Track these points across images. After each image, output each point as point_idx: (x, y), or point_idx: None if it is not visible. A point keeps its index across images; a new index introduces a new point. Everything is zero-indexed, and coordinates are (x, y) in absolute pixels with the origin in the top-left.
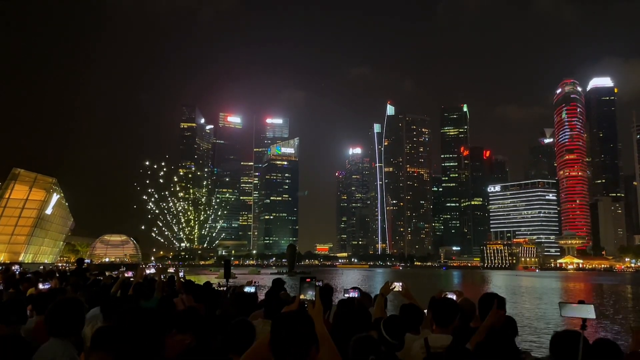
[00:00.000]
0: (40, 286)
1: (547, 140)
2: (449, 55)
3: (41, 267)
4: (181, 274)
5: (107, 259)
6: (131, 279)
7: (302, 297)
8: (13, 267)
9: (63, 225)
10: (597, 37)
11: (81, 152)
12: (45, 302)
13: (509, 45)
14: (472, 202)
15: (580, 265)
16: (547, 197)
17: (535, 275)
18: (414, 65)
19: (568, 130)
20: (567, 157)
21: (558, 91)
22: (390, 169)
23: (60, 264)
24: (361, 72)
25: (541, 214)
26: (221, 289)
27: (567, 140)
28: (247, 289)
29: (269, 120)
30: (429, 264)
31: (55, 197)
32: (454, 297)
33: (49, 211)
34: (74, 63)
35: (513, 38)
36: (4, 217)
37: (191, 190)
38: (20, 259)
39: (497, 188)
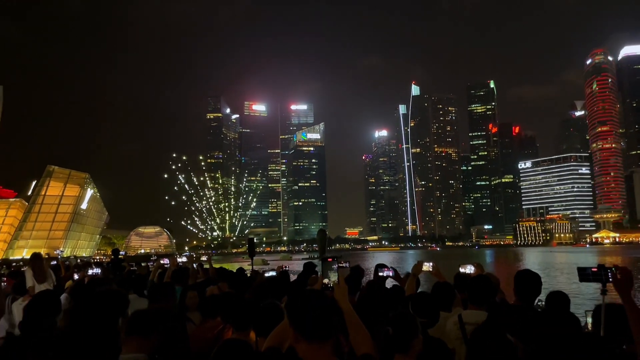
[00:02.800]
0: (76, 277)
1: (578, 113)
2: (474, 31)
3: (78, 260)
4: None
5: (142, 251)
6: (165, 265)
7: (325, 280)
8: (57, 257)
9: (98, 219)
10: (628, 4)
11: (113, 148)
12: (82, 292)
13: (536, 19)
14: (503, 180)
15: (617, 239)
16: (580, 171)
17: (571, 250)
18: (438, 43)
19: (600, 101)
20: (599, 129)
21: (588, 62)
22: (418, 150)
23: (97, 257)
24: (384, 55)
25: (574, 189)
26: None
27: (599, 111)
28: (268, 274)
29: (293, 107)
30: (461, 243)
31: (89, 192)
32: (472, 271)
33: (84, 206)
34: (103, 64)
35: (540, 11)
36: (42, 214)
37: (220, 180)
38: (61, 250)
39: (528, 164)
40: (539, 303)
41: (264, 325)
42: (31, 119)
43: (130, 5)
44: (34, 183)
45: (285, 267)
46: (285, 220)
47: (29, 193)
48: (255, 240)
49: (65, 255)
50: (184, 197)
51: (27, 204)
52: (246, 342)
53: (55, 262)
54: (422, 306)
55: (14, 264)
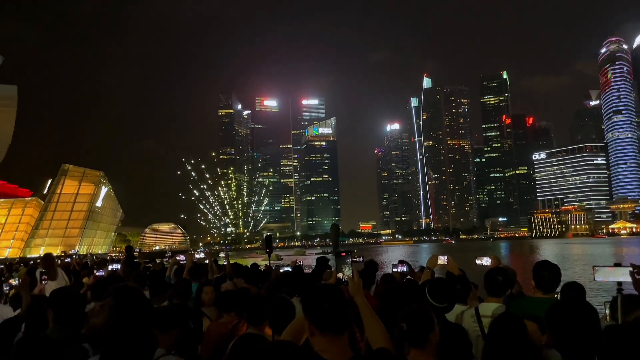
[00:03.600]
0: (99, 273)
1: (593, 103)
2: (486, 23)
3: (94, 257)
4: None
5: (157, 247)
6: (181, 262)
7: (339, 274)
8: (71, 256)
9: (113, 217)
10: None
11: (126, 146)
12: (102, 288)
13: (548, 9)
14: (517, 171)
15: (634, 230)
16: (595, 162)
17: (588, 242)
18: (450, 35)
19: (615, 90)
20: (615, 118)
21: (602, 51)
22: (430, 143)
23: (113, 254)
24: (395, 48)
25: (590, 179)
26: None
27: (614, 101)
28: (283, 269)
29: (304, 102)
30: (475, 236)
31: (104, 190)
32: (489, 263)
33: (99, 204)
34: (115, 62)
35: (553, 0)
36: (58, 212)
37: (233, 176)
38: (76, 250)
39: (543, 155)
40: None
41: (276, 320)
42: (45, 119)
43: (141, 3)
44: (49, 182)
45: (299, 262)
46: (298, 215)
47: (45, 192)
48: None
49: (81, 253)
50: (197, 194)
51: (42, 202)
52: (261, 337)
53: (68, 260)
54: (439, 291)
55: (31, 262)
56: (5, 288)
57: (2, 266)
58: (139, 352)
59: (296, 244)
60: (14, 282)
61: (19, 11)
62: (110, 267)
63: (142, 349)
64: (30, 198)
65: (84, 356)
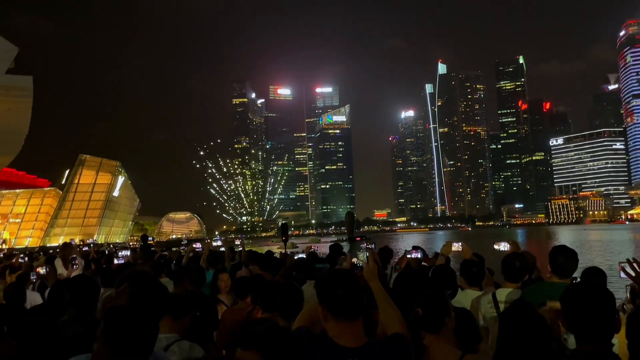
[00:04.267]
0: (115, 261)
1: (611, 87)
2: (501, 7)
3: (111, 246)
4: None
5: (173, 236)
6: (197, 250)
7: (354, 260)
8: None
9: (130, 206)
10: None
11: (142, 137)
12: (112, 275)
13: None
14: (534, 158)
15: None
16: (614, 147)
17: (607, 228)
18: (465, 20)
19: (634, 74)
20: (634, 102)
21: (621, 34)
22: (446, 129)
23: (131, 243)
24: (409, 34)
25: (608, 165)
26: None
27: (633, 84)
28: (298, 256)
29: (318, 90)
30: (491, 223)
31: (120, 180)
32: (507, 248)
33: (116, 193)
34: (129, 53)
35: None
36: (76, 202)
37: (248, 165)
38: (93, 239)
39: (560, 141)
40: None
41: (284, 307)
42: (62, 109)
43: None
44: (67, 172)
45: (314, 248)
46: (313, 203)
47: (63, 182)
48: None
49: (99, 242)
50: (213, 183)
51: (61, 192)
52: (273, 322)
53: (87, 249)
54: (441, 277)
55: (50, 250)
56: (32, 277)
57: (22, 255)
58: (137, 334)
59: (311, 232)
60: (41, 270)
61: (35, 5)
62: (121, 254)
63: (139, 332)
64: (49, 188)
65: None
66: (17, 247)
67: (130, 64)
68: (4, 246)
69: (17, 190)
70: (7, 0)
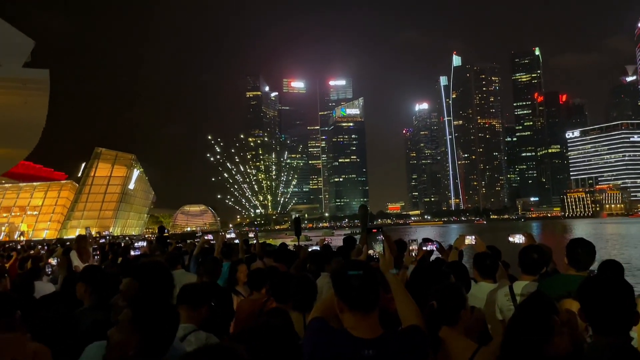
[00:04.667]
0: (132, 252)
1: (629, 79)
2: None
3: (127, 238)
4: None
5: (188, 229)
6: (211, 242)
7: (370, 251)
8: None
9: (145, 199)
10: None
11: (157, 130)
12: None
13: None
14: (549, 150)
15: None
16: (631, 139)
17: (623, 221)
18: (479, 11)
19: None
20: None
21: (639, 25)
22: (460, 122)
23: (146, 235)
24: (423, 26)
25: (626, 157)
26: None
27: None
28: (311, 249)
29: (331, 82)
30: (506, 216)
31: (136, 173)
32: (522, 241)
33: (131, 186)
34: (142, 47)
35: None
36: (92, 194)
37: (262, 158)
38: (110, 231)
39: (576, 133)
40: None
41: (298, 298)
42: (79, 103)
43: None
44: (82, 165)
45: (328, 240)
46: (327, 196)
47: (79, 175)
48: (297, 216)
49: (115, 234)
50: (226, 176)
51: (77, 185)
52: (285, 312)
53: (103, 241)
54: (454, 273)
55: (67, 243)
56: (47, 269)
57: (40, 246)
58: (165, 322)
59: (325, 225)
60: (53, 261)
61: (48, 3)
62: (137, 245)
63: (167, 320)
64: (65, 181)
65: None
66: (34, 239)
67: (145, 58)
68: (21, 238)
69: (34, 183)
70: None
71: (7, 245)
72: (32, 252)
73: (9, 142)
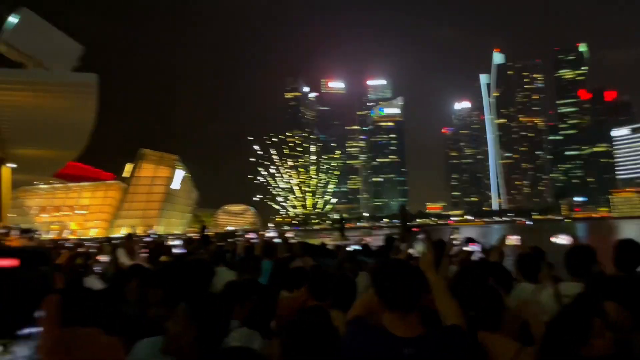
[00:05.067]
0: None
1: None
2: None
3: (168, 237)
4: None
5: (229, 228)
6: (252, 240)
7: (410, 250)
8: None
9: (188, 199)
10: None
11: (199, 131)
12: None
13: None
14: (595, 149)
15: None
16: None
17: None
18: (521, 7)
19: None
20: None
21: None
22: (502, 121)
23: (189, 234)
24: (463, 23)
25: None
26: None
27: None
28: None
29: (370, 82)
30: (550, 217)
31: (179, 173)
32: (567, 242)
33: (174, 186)
34: (186, 49)
35: None
36: (137, 194)
37: (301, 158)
38: (154, 230)
39: (624, 131)
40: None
41: (337, 297)
42: (125, 105)
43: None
44: (128, 166)
45: (368, 240)
46: (365, 196)
47: (125, 175)
48: (336, 216)
49: (159, 233)
50: (266, 176)
51: (123, 185)
52: (322, 309)
53: (149, 239)
54: (496, 275)
55: (113, 241)
56: (95, 267)
57: (88, 244)
58: (218, 316)
59: (364, 224)
60: (101, 259)
61: (99, 7)
62: (173, 243)
63: (220, 313)
64: (112, 181)
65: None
66: (83, 237)
67: (188, 60)
68: (71, 236)
69: (83, 184)
70: (72, 3)
71: (57, 243)
72: (81, 249)
73: (59, 144)
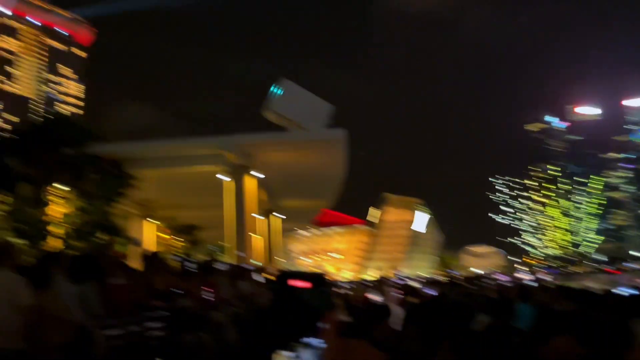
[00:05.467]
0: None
1: None
2: None
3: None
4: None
5: (474, 270)
6: (503, 283)
7: None
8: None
9: (433, 241)
10: None
11: (441, 173)
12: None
13: None
14: None
15: None
16: None
17: None
18: None
19: None
20: None
21: None
22: None
23: (436, 276)
24: None
25: None
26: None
27: None
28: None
29: (626, 102)
30: None
31: (423, 216)
32: None
33: (419, 229)
34: (429, 98)
35: None
36: (384, 237)
37: (550, 193)
38: (399, 272)
39: None
40: None
41: (606, 345)
42: (365, 155)
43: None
44: (370, 209)
45: None
46: (634, 233)
47: (370, 220)
48: (598, 257)
49: (406, 275)
50: (512, 214)
51: (369, 229)
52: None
53: (400, 282)
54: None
55: (366, 283)
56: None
57: (343, 285)
58: None
59: (631, 266)
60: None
61: (345, 67)
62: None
63: None
64: (361, 226)
65: None
66: (338, 280)
67: (430, 108)
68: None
69: (337, 229)
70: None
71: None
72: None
73: (313, 194)
